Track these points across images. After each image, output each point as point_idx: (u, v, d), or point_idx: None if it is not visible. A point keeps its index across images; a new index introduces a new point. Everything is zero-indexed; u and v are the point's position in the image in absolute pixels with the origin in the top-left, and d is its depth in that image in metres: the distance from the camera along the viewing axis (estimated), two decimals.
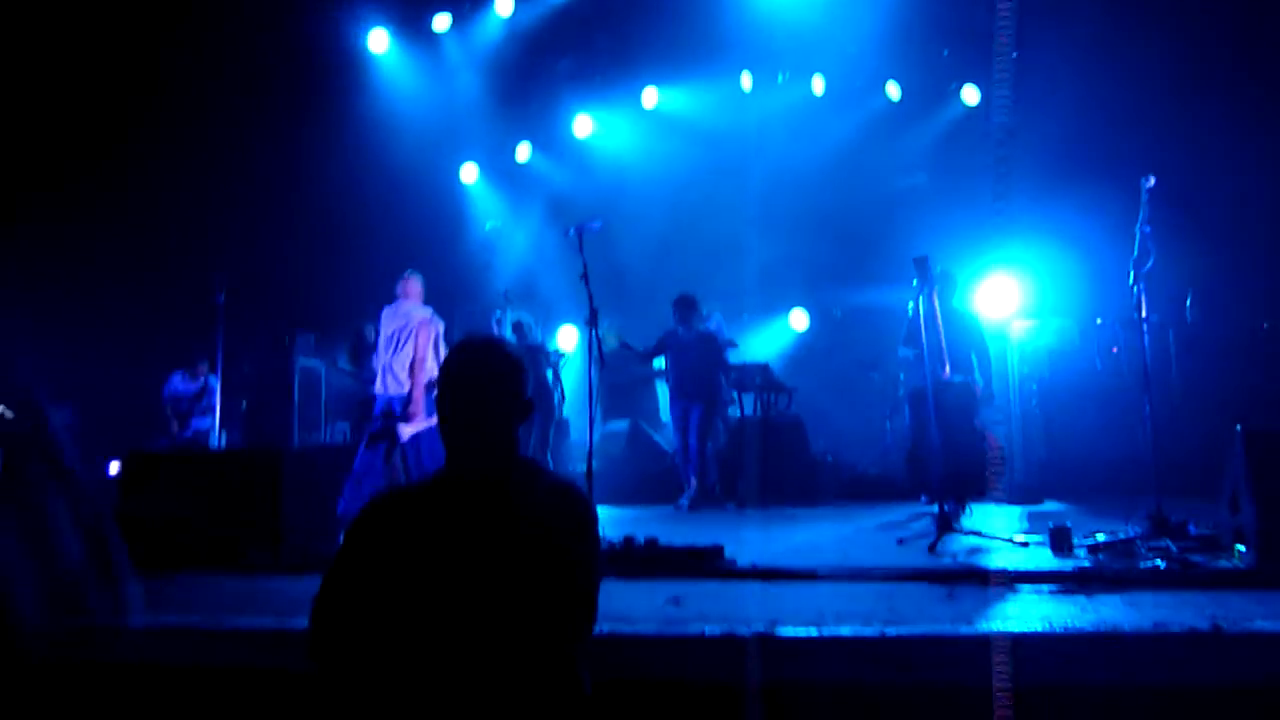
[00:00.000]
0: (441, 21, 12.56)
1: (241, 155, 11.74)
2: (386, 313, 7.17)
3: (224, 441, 10.08)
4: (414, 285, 7.22)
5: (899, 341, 8.80)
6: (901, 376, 8.80)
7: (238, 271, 11.41)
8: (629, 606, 3.82)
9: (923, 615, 3.47)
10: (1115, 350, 9.17)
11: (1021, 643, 3.09)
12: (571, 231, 5.94)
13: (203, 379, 10.68)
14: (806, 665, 3.06)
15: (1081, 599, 3.77)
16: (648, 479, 10.07)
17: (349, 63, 12.74)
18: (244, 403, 11.21)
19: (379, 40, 12.71)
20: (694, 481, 8.68)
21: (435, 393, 2.47)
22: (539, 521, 2.25)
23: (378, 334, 7.28)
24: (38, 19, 11.05)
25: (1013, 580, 4.20)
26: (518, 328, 9.55)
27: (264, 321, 11.39)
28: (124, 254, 11.85)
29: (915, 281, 5.79)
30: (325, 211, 12.02)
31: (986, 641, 3.10)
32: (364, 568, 2.28)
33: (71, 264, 11.52)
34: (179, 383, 10.76)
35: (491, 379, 2.34)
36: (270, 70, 11.71)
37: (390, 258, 12.38)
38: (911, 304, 8.67)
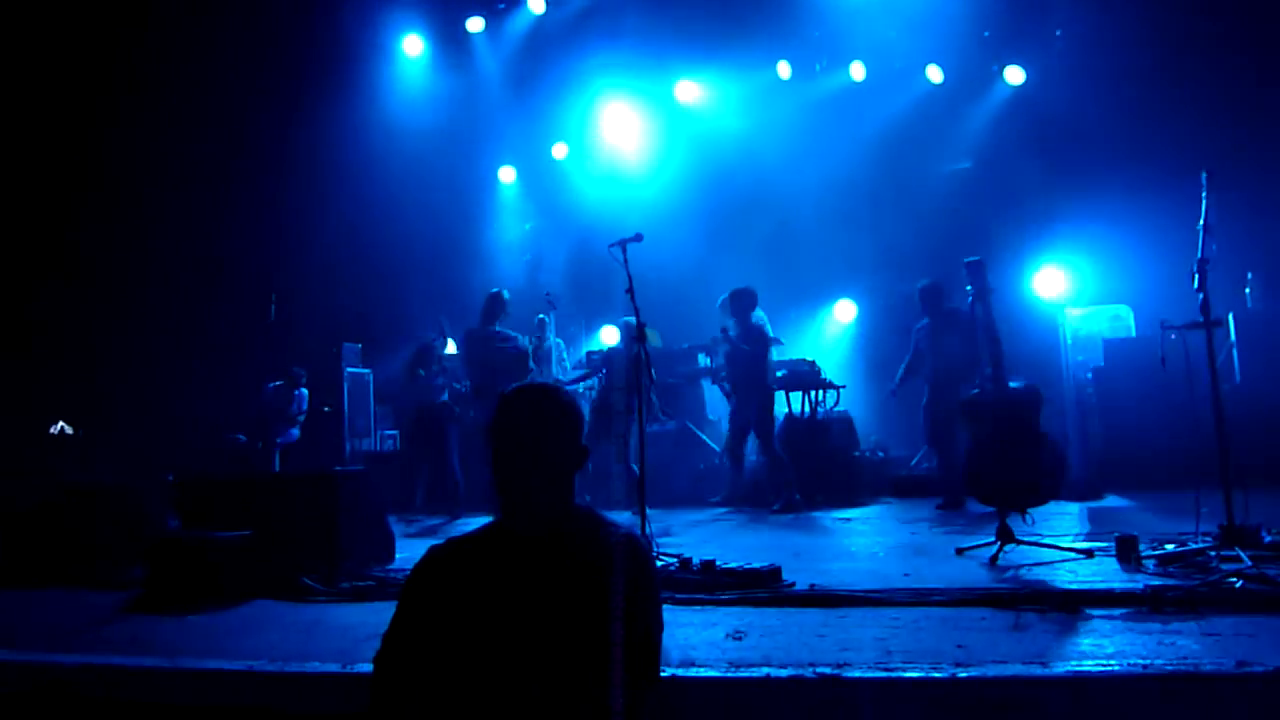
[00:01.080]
0: (475, 24, 12.55)
1: (287, 169, 11.86)
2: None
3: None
4: None
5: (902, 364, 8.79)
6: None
7: (286, 284, 11.62)
8: (689, 640, 3.79)
9: (992, 650, 3.38)
10: (1174, 336, 8.90)
11: (1094, 685, 3.01)
12: (614, 247, 5.87)
13: (294, 390, 10.90)
14: (877, 713, 3.00)
15: (1156, 626, 3.66)
16: (696, 478, 10.07)
17: (384, 68, 12.79)
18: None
19: (414, 45, 12.72)
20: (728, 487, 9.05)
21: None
22: (597, 573, 2.21)
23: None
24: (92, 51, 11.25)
25: (1080, 603, 4.09)
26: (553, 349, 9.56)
27: (312, 331, 11.55)
28: (183, 268, 12.08)
29: (968, 287, 5.65)
30: (368, 220, 12.12)
31: (1058, 683, 3.03)
32: (423, 620, 2.27)
33: (129, 285, 11.78)
34: (271, 393, 10.97)
35: (547, 428, 2.30)
36: (309, 82, 11.81)
37: (433, 263, 12.50)
38: (916, 328, 8.58)
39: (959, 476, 8.02)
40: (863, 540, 6.73)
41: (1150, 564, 4.84)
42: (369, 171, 12.24)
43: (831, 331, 12.17)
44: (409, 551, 6.74)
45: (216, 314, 12.13)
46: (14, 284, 12.69)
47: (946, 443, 8.37)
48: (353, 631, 4.36)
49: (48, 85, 12.15)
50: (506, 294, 9.39)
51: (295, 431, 10.91)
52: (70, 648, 4.31)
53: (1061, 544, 5.45)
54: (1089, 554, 5.22)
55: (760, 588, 4.60)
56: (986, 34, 11.66)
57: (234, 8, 11.52)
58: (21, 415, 12.18)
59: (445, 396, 9.69)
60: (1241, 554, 4.64)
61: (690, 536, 6.97)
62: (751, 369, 8.83)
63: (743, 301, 8.91)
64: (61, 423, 12.41)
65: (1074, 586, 4.44)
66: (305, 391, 10.85)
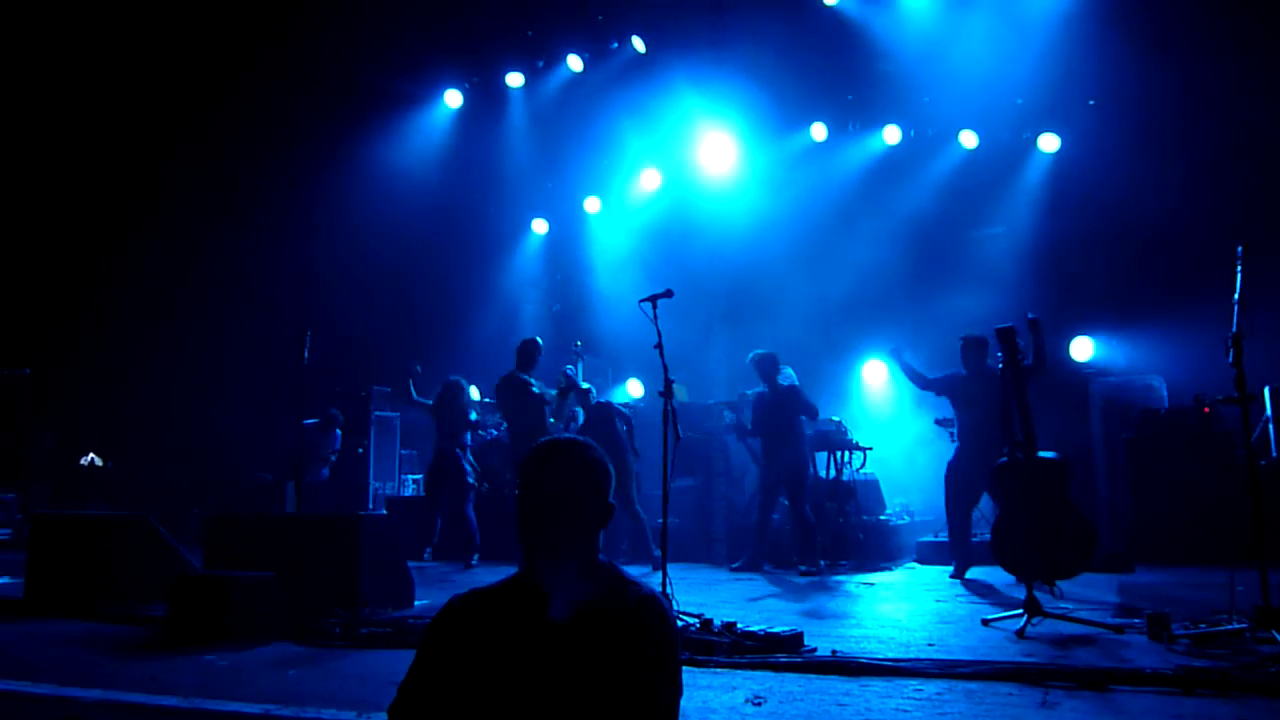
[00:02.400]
0: (514, 79, 12.82)
1: (324, 213, 12.11)
2: None
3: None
4: None
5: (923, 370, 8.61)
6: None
7: (320, 326, 11.76)
8: (708, 703, 3.74)
9: None
10: (1206, 411, 8.80)
11: None
12: (645, 303, 5.91)
13: (331, 431, 11.01)
14: None
15: (1188, 709, 3.57)
16: (717, 536, 9.98)
17: (424, 119, 13.09)
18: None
19: (454, 98, 13.01)
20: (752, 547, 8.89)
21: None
22: (616, 632, 2.19)
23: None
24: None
25: (1110, 681, 3.99)
26: (586, 393, 9.53)
27: (342, 374, 11.67)
28: (219, 306, 12.33)
29: (1000, 354, 5.62)
30: (402, 267, 12.30)
31: None
32: (441, 672, 2.25)
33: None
34: (307, 431, 11.10)
35: (574, 484, 2.29)
36: (352, 130, 12.12)
37: (464, 311, 12.65)
38: (950, 372, 8.46)
39: (970, 545, 7.94)
40: (887, 606, 6.62)
41: (1183, 643, 4.73)
42: (405, 218, 12.46)
43: (860, 392, 12.11)
44: (428, 599, 6.73)
45: (249, 353, 12.30)
46: (50, 314, 13.00)
47: (959, 508, 8.09)
48: (371, 678, 4.35)
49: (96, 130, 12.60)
50: (540, 340, 9.43)
51: (325, 471, 10.99)
52: (89, 682, 4.32)
53: (1091, 618, 5.34)
54: (1119, 630, 5.10)
55: (782, 652, 4.54)
56: (1020, 101, 11.73)
57: (284, 57, 11.88)
58: (53, 445, 12.38)
59: (467, 442, 9.71)
60: (1277, 636, 4.54)
61: (711, 596, 6.89)
62: (785, 428, 8.79)
63: (765, 365, 8.92)
64: (92, 454, 12.59)
65: (1104, 664, 4.35)
66: (340, 433, 10.96)
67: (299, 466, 10.07)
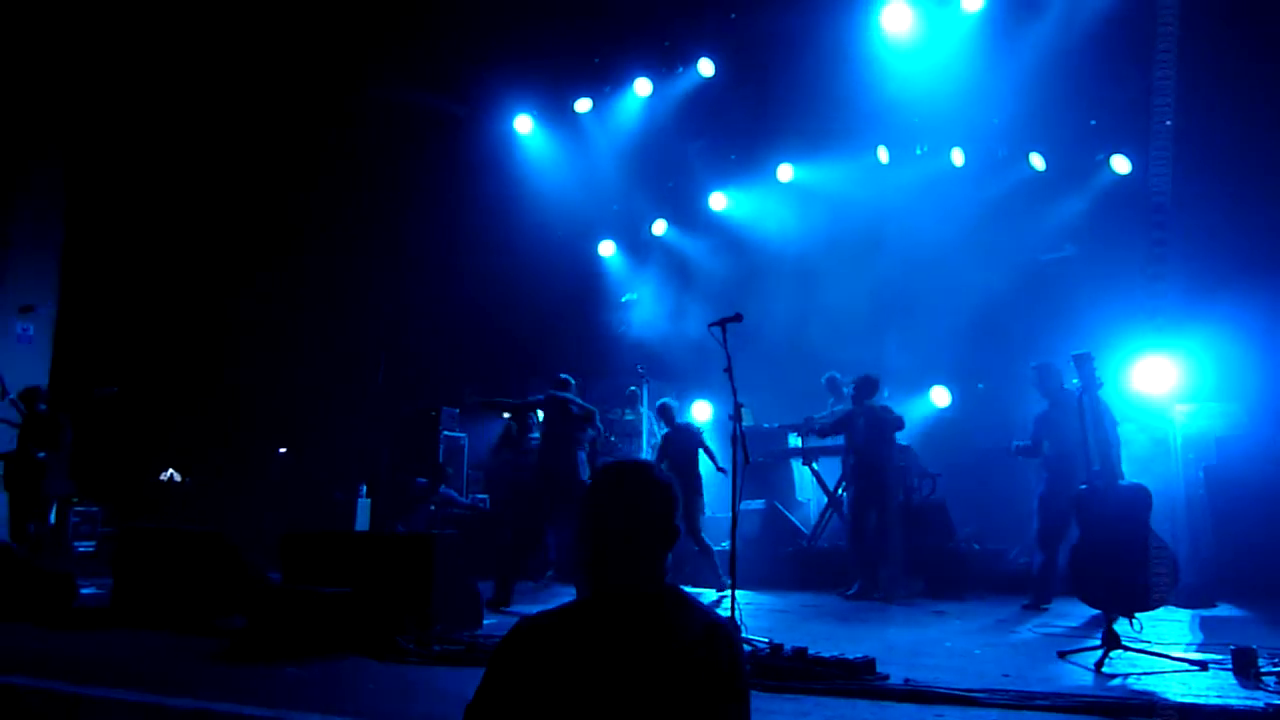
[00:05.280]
0: (583, 104, 13.02)
1: (396, 239, 12.40)
2: None
3: None
4: None
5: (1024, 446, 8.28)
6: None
7: (395, 349, 12.06)
8: None
9: None
10: None
11: None
12: (714, 327, 5.95)
13: (438, 490, 11.24)
14: None
15: None
16: (782, 561, 9.91)
17: (496, 146, 13.36)
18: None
19: (524, 124, 13.26)
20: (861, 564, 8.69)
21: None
22: (685, 658, 2.19)
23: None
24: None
25: (1194, 718, 3.90)
26: (664, 410, 9.57)
27: (411, 395, 11.91)
28: (302, 329, 12.71)
29: (1075, 380, 5.53)
30: (472, 290, 12.51)
31: None
32: (508, 694, 2.25)
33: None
34: (417, 489, 11.35)
35: (643, 508, 2.30)
36: (428, 162, 12.42)
37: (530, 332, 12.82)
38: (1037, 415, 8.26)
39: (1056, 578, 7.71)
40: (959, 636, 6.52)
41: (1270, 680, 4.58)
42: (473, 242, 12.70)
43: (927, 417, 11.93)
44: (496, 618, 6.82)
45: (328, 374, 12.63)
46: (142, 335, 13.51)
47: (1054, 540, 7.85)
48: (443, 696, 4.43)
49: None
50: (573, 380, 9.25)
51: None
52: (179, 690, 4.47)
53: (1173, 653, 5.19)
54: (1203, 666, 4.96)
55: (853, 679, 4.51)
56: (1093, 123, 11.53)
57: (361, 84, 12.28)
58: (134, 460, 12.81)
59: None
60: None
61: (779, 621, 6.86)
62: (880, 451, 8.77)
63: (865, 389, 8.97)
64: (171, 469, 12.99)
65: (1187, 699, 4.24)
66: (449, 492, 11.19)
67: (406, 515, 10.32)
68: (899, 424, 8.88)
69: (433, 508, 11.02)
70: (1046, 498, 7.96)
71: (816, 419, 9.58)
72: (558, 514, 8.39)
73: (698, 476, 8.99)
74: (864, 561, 8.75)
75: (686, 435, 9.25)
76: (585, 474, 8.18)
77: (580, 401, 8.62)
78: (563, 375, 8.83)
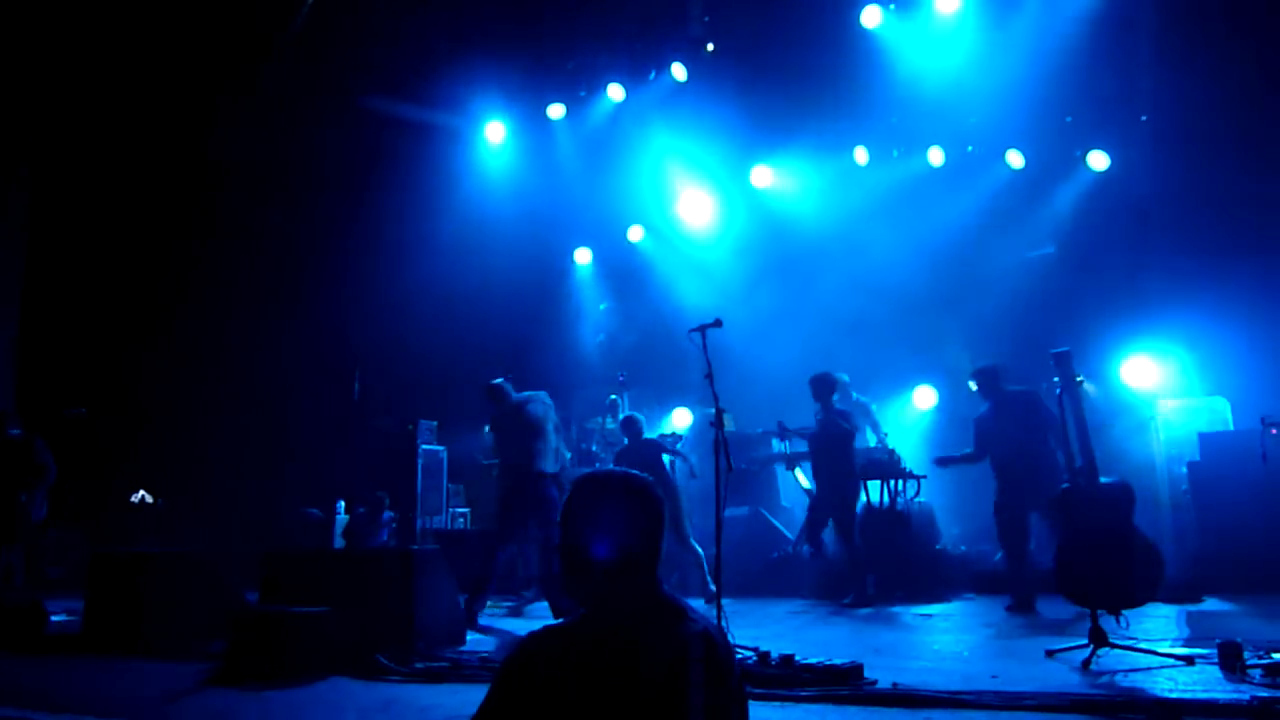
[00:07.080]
0: (556, 110, 12.96)
1: (368, 248, 12.29)
2: None
3: None
4: None
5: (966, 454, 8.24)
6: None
7: (368, 362, 11.90)
8: None
9: None
10: (1275, 432, 8.53)
11: None
12: (694, 333, 5.89)
13: (380, 515, 11.07)
14: None
15: None
16: (766, 567, 9.84)
17: (467, 153, 13.28)
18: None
19: (496, 131, 13.18)
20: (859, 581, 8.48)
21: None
22: (674, 669, 2.15)
23: None
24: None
25: (1182, 713, 3.87)
26: (630, 422, 9.37)
27: (388, 408, 11.79)
28: (270, 342, 12.54)
29: (1055, 379, 5.50)
30: (446, 300, 12.40)
31: None
32: (512, 710, 2.23)
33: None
34: (359, 519, 11.16)
35: (621, 516, 2.26)
36: (396, 167, 12.31)
37: (507, 343, 12.72)
38: (976, 418, 8.22)
39: (1030, 577, 7.68)
40: (945, 638, 6.48)
41: (1256, 674, 4.56)
42: (446, 251, 12.59)
43: (911, 418, 11.91)
44: (479, 634, 6.72)
45: (300, 390, 12.48)
46: (106, 354, 13.32)
47: (1017, 540, 7.81)
48: (427, 714, 4.35)
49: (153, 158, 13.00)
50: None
51: (384, 534, 11.09)
52: (154, 718, 4.35)
53: (1159, 649, 5.18)
54: (1189, 661, 4.93)
55: (841, 685, 4.45)
56: (1069, 119, 11.56)
57: (327, 91, 12.15)
58: (104, 482, 12.60)
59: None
60: None
61: (765, 628, 6.79)
62: (835, 456, 8.67)
63: (820, 387, 8.82)
64: (143, 491, 12.77)
65: (1174, 695, 4.22)
66: (391, 513, 11.03)
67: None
68: (848, 437, 8.74)
69: (385, 534, 10.91)
70: (998, 505, 7.95)
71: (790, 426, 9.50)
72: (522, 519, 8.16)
73: (669, 481, 8.83)
74: (819, 561, 8.74)
75: (647, 449, 8.86)
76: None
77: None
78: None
